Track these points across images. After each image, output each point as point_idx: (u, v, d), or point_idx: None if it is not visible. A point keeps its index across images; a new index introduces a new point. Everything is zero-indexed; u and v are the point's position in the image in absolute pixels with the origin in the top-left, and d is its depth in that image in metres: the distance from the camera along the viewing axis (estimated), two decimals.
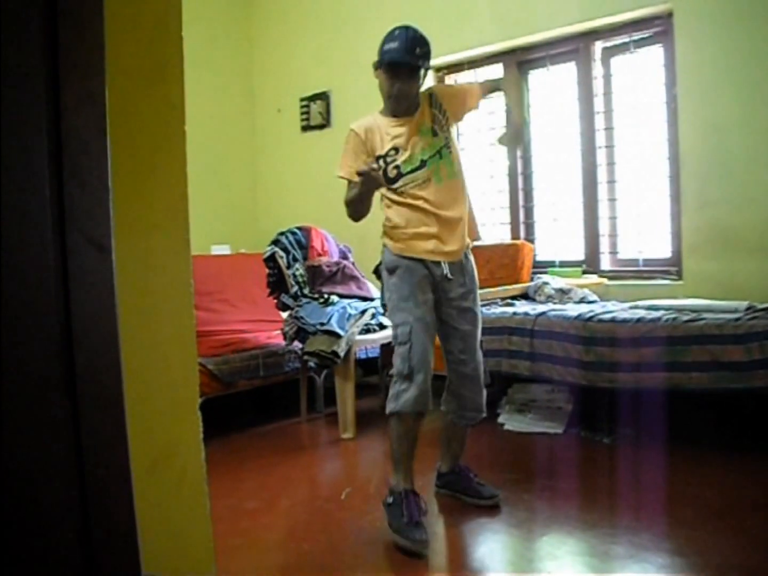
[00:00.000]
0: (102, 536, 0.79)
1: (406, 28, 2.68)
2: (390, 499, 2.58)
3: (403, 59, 2.59)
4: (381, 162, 2.68)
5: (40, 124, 0.73)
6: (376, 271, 2.84)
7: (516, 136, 2.92)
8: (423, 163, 2.66)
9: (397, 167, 2.67)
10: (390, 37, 2.67)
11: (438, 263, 2.66)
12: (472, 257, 2.83)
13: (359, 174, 2.45)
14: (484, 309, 3.87)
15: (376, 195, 2.63)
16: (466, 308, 2.74)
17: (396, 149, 2.67)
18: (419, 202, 2.64)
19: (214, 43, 5.73)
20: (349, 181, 2.66)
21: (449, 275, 2.67)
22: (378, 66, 2.68)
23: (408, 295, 2.62)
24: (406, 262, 2.66)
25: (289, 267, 4.21)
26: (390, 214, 2.71)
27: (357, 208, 2.61)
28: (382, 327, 4.22)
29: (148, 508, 0.91)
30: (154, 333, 0.99)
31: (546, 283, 4.16)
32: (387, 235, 2.74)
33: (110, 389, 0.80)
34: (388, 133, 2.70)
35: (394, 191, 2.67)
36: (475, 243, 2.96)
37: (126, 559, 0.82)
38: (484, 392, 2.83)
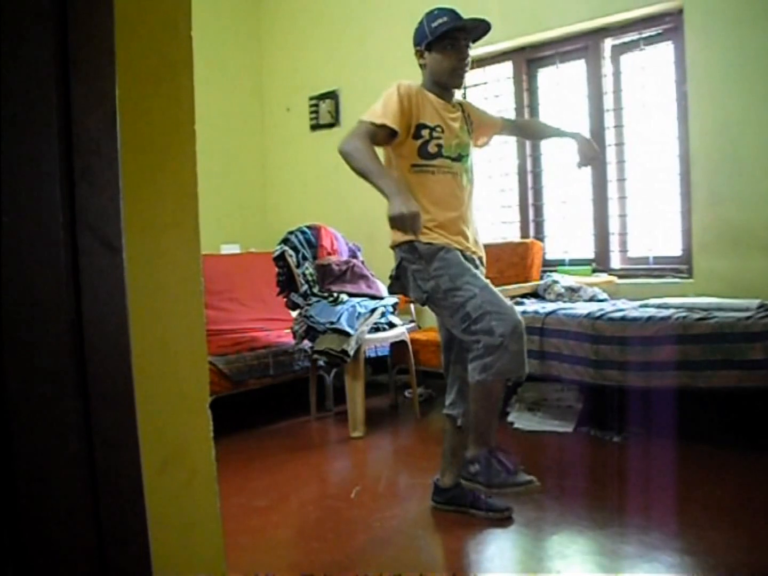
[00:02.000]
0: (113, 535, 0.79)
1: (449, 8, 2.60)
2: (476, 467, 2.45)
3: (468, 20, 2.53)
4: (425, 132, 2.52)
5: (50, 125, 0.74)
6: (396, 278, 2.66)
7: (589, 158, 2.90)
8: (459, 157, 2.60)
9: (439, 146, 2.54)
10: (434, 15, 2.57)
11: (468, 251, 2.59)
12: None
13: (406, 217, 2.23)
14: None
15: None
16: None
17: (442, 128, 2.55)
18: (449, 187, 2.56)
19: (223, 42, 5.75)
20: (374, 125, 2.46)
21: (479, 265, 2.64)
22: (428, 45, 2.56)
23: (460, 272, 2.46)
24: (442, 247, 2.51)
25: (298, 266, 4.22)
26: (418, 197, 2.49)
27: (361, 175, 2.37)
28: (391, 326, 4.22)
29: (158, 506, 0.91)
30: (164, 332, 0.99)
31: (555, 282, 4.15)
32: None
33: (121, 388, 0.81)
34: (437, 108, 2.57)
35: (425, 167, 2.53)
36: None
37: (136, 558, 0.82)
38: None
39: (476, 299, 2.39)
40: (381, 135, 2.47)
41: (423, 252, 2.51)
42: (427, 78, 2.65)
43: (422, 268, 2.52)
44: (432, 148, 2.53)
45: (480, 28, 2.60)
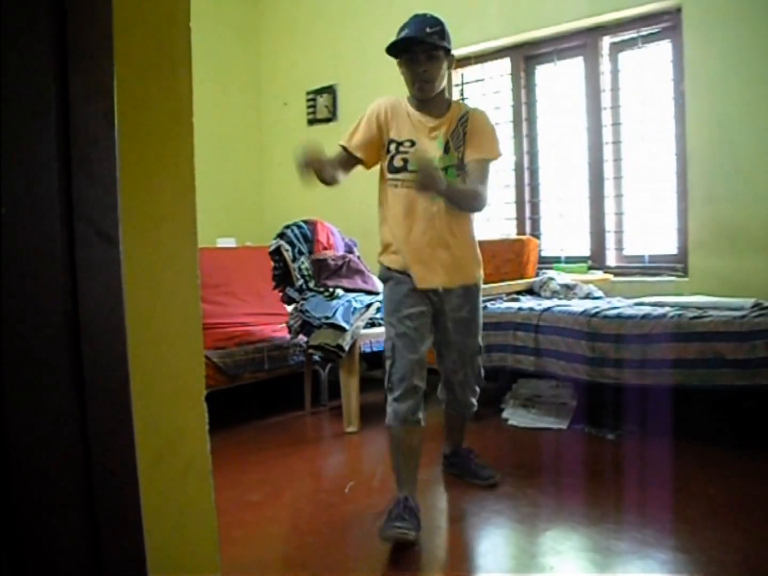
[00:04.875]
0: (107, 526, 0.79)
1: (416, 15, 2.61)
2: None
3: (416, 35, 2.49)
4: (392, 147, 2.57)
5: (48, 116, 0.73)
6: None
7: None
8: None
9: (405, 160, 2.55)
10: (401, 27, 2.60)
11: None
12: (478, 289, 2.81)
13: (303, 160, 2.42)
14: (489, 304, 3.87)
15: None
16: (464, 319, 2.69)
17: (412, 142, 2.56)
18: (414, 201, 2.54)
19: (221, 36, 5.73)
20: (343, 148, 2.63)
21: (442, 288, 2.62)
22: (396, 56, 2.59)
23: (392, 309, 2.58)
24: (392, 278, 2.64)
25: (294, 260, 4.21)
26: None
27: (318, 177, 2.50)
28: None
29: (153, 498, 0.91)
30: (160, 324, 0.99)
31: (551, 279, 4.15)
32: (380, 226, 2.69)
33: (117, 380, 0.81)
34: (412, 123, 2.59)
35: (392, 180, 2.58)
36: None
37: (131, 549, 0.83)
38: (476, 391, 2.84)
39: (388, 342, 2.57)
40: (351, 156, 2.61)
41: (381, 274, 2.71)
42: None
43: (383, 287, 2.70)
44: (397, 162, 2.56)
45: (431, 37, 2.52)
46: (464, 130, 2.60)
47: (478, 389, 2.85)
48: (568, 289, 4.04)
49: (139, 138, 0.95)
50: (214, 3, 5.59)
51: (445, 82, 2.62)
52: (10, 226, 0.71)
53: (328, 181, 2.52)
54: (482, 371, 2.86)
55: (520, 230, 4.82)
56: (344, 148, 2.62)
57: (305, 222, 4.41)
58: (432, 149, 2.56)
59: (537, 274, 4.40)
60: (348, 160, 2.63)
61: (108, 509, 0.80)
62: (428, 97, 2.58)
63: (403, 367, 2.48)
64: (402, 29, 2.58)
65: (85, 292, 0.76)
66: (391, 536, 2.33)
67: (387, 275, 2.64)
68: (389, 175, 2.58)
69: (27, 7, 0.73)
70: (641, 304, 3.59)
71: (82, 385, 0.77)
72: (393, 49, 2.56)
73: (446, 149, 2.57)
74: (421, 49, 2.51)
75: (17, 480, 0.73)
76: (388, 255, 2.64)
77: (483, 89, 5.00)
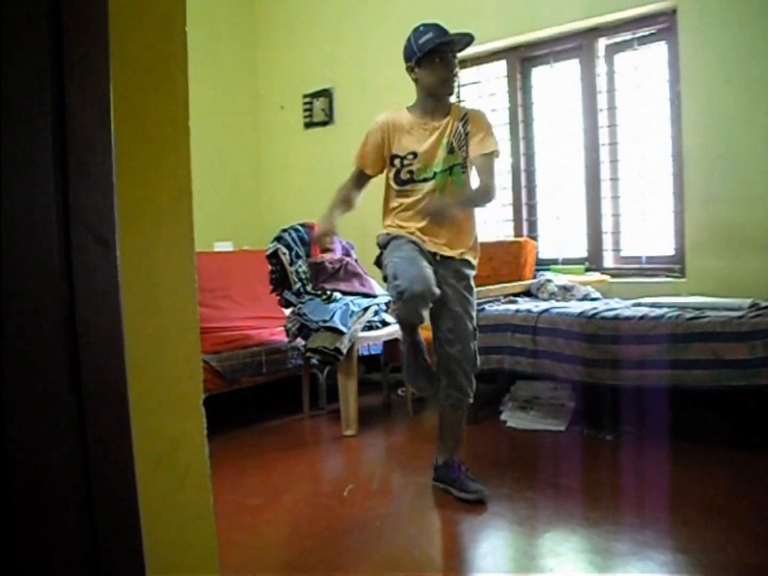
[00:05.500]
0: (106, 531, 0.79)
1: (431, 23, 2.77)
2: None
3: (450, 36, 2.69)
4: (397, 162, 2.80)
5: (45, 120, 0.73)
6: (377, 264, 2.92)
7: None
8: (434, 175, 2.76)
9: (411, 172, 2.78)
10: (420, 32, 2.75)
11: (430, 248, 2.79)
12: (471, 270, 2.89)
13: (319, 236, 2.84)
14: (486, 306, 3.87)
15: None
16: (460, 292, 2.81)
17: (414, 154, 2.77)
18: (410, 209, 2.79)
19: (217, 40, 5.73)
20: (359, 170, 2.89)
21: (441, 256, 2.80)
22: (417, 61, 2.74)
23: (396, 249, 2.75)
24: (396, 236, 2.81)
25: (292, 264, 4.21)
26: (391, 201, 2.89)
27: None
28: (384, 324, 4.22)
29: (152, 503, 0.91)
30: (158, 328, 0.99)
31: (549, 281, 4.15)
32: (384, 218, 2.91)
33: (115, 385, 0.80)
34: (412, 134, 2.79)
35: (400, 191, 2.82)
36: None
37: (130, 554, 0.82)
38: (471, 380, 2.83)
39: (393, 263, 2.68)
40: (365, 175, 2.89)
41: (380, 242, 2.87)
42: (419, 92, 2.84)
43: (382, 254, 2.85)
44: (404, 176, 2.81)
45: (464, 41, 2.76)
46: (465, 130, 2.77)
47: (473, 380, 2.84)
48: (565, 291, 4.04)
49: (136, 142, 0.95)
50: (210, 7, 5.59)
51: None
52: (6, 230, 0.71)
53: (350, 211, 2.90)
54: (477, 357, 2.86)
55: (518, 232, 4.82)
56: (360, 170, 2.89)
57: (302, 225, 4.41)
58: (440, 151, 2.75)
59: (534, 276, 4.40)
60: (363, 178, 2.90)
61: (107, 514, 0.80)
62: (451, 94, 2.80)
63: (415, 278, 2.57)
64: (422, 33, 2.74)
65: (82, 296, 0.76)
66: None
67: (388, 238, 2.82)
68: (397, 187, 2.82)
69: (23, 12, 0.73)
70: (639, 305, 3.60)
71: (80, 390, 0.76)
72: (424, 52, 2.70)
73: (451, 150, 2.76)
74: (450, 49, 2.72)
75: (16, 485, 0.73)
76: (391, 228, 2.85)
77: (479, 91, 5.00)
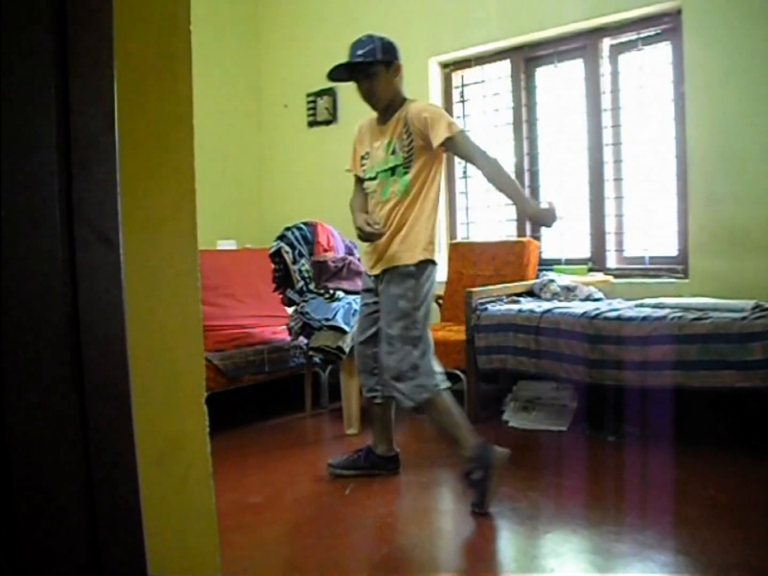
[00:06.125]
0: (108, 529, 0.79)
1: (354, 42, 2.90)
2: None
3: (345, 62, 2.85)
4: (363, 161, 3.01)
5: (49, 118, 0.73)
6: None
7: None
8: (375, 176, 2.93)
9: (364, 171, 3.00)
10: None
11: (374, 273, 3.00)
12: (401, 275, 2.88)
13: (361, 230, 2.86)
14: (489, 306, 3.87)
15: None
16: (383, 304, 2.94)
17: (368, 153, 2.98)
18: (372, 204, 2.97)
19: (221, 39, 5.73)
20: (357, 178, 3.09)
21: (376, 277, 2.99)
22: (344, 81, 3.00)
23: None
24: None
25: (294, 262, 4.21)
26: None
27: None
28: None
29: (153, 501, 0.91)
30: (161, 327, 0.99)
31: (551, 281, 4.15)
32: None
33: (117, 383, 0.81)
34: (370, 137, 2.99)
35: (363, 190, 3.03)
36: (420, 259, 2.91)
37: (131, 552, 0.82)
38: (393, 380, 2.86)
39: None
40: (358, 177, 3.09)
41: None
42: None
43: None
44: (361, 174, 3.04)
45: (357, 66, 2.86)
46: (407, 129, 2.85)
47: (398, 383, 2.84)
48: (568, 291, 4.04)
49: (140, 140, 0.95)
50: (214, 5, 5.59)
51: (396, 90, 2.90)
52: (10, 228, 0.71)
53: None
54: (404, 362, 2.84)
55: (521, 232, 4.82)
56: (355, 176, 3.11)
57: (305, 224, 4.41)
58: (385, 151, 2.90)
59: (537, 276, 4.40)
60: (360, 182, 3.08)
61: (108, 512, 0.80)
62: (382, 109, 2.92)
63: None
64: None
65: (85, 294, 0.76)
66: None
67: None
68: (362, 185, 3.04)
69: (27, 10, 0.73)
70: (642, 305, 3.59)
71: (83, 387, 0.77)
72: (337, 77, 2.93)
73: (393, 151, 2.88)
74: (358, 70, 2.86)
75: (17, 483, 0.73)
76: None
77: (483, 91, 5.00)
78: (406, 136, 2.83)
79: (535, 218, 2.80)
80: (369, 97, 2.89)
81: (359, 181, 3.07)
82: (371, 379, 3.07)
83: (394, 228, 2.88)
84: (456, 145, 2.81)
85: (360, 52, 2.82)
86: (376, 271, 2.96)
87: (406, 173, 2.84)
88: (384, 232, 2.85)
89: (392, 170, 2.86)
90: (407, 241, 2.87)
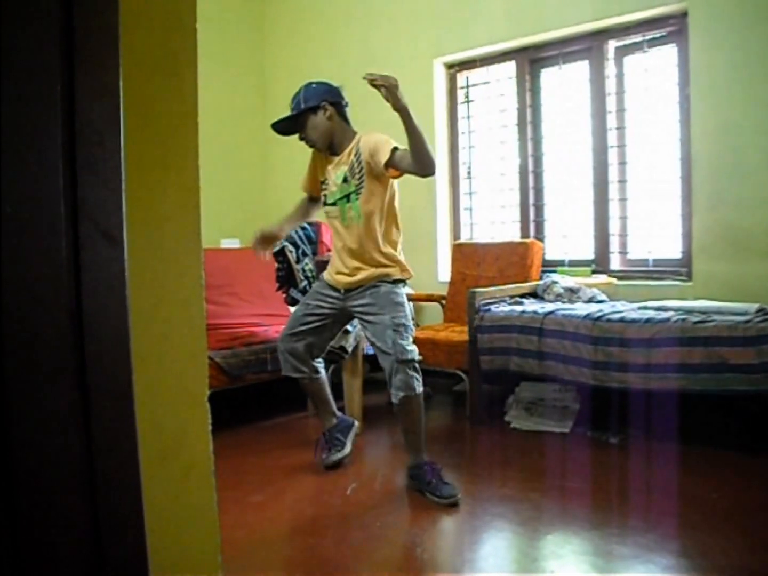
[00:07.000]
0: (110, 526, 0.79)
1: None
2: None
3: (281, 119, 3.20)
4: (323, 185, 3.23)
5: (54, 116, 0.74)
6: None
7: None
8: (335, 203, 3.13)
9: (326, 195, 3.20)
10: None
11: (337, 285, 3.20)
12: (386, 288, 3.07)
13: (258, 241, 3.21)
14: (492, 307, 3.87)
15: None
16: (370, 320, 3.07)
17: (326, 181, 3.19)
18: (333, 230, 3.21)
19: (226, 37, 5.74)
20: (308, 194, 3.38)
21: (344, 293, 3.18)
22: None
23: (305, 298, 3.45)
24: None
25: (298, 262, 4.22)
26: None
27: None
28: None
29: (156, 498, 0.91)
30: (164, 324, 0.99)
31: (555, 282, 4.15)
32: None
33: (120, 380, 0.81)
34: (326, 165, 3.21)
35: (326, 213, 3.23)
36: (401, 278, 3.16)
37: (133, 549, 0.83)
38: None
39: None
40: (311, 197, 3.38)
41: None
42: None
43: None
44: (324, 198, 3.22)
45: (293, 110, 3.16)
46: (358, 158, 3.05)
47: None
48: (571, 293, 4.04)
49: (145, 138, 0.95)
50: (219, 5, 5.60)
51: (331, 128, 3.13)
52: (14, 225, 0.71)
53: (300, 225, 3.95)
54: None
55: (524, 233, 4.81)
56: (309, 197, 3.40)
57: (309, 223, 4.41)
58: (338, 180, 3.11)
59: (541, 278, 4.40)
60: (312, 198, 3.37)
61: (110, 509, 0.80)
62: (324, 149, 3.19)
63: (282, 335, 3.32)
64: None
65: (88, 292, 0.77)
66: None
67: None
68: (324, 208, 3.23)
69: (33, 6, 0.73)
70: (645, 308, 3.59)
71: (85, 385, 0.77)
72: (282, 130, 3.25)
73: (345, 180, 3.09)
74: (294, 122, 3.17)
75: (19, 480, 0.73)
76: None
77: (487, 92, 5.00)
78: (357, 164, 3.05)
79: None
80: (307, 142, 3.18)
81: (310, 199, 3.37)
82: (302, 363, 3.26)
83: (361, 260, 3.10)
84: (399, 155, 2.88)
85: (292, 105, 3.14)
86: (346, 286, 3.15)
87: (358, 200, 3.05)
88: (265, 257, 3.30)
89: (347, 197, 3.08)
90: (378, 260, 3.09)
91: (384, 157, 2.90)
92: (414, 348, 2.95)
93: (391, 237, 3.13)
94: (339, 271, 3.17)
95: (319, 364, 3.35)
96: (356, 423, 3.51)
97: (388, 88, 2.60)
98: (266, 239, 3.19)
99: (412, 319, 4.92)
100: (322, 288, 3.27)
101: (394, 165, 2.91)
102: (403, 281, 3.14)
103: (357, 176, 3.06)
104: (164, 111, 0.99)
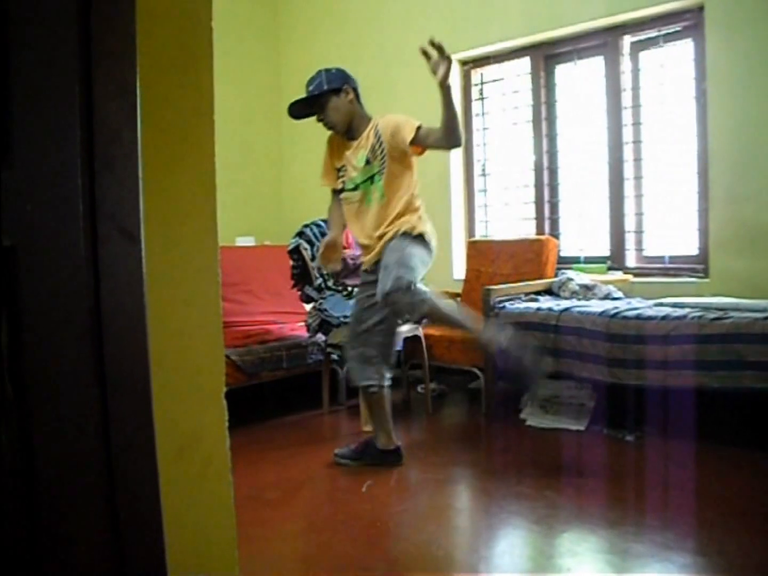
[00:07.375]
0: (128, 521, 0.80)
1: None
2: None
3: (301, 98, 3.17)
4: (339, 173, 3.25)
5: (73, 114, 0.74)
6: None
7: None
8: (356, 187, 3.17)
9: (344, 182, 3.23)
10: None
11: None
12: (397, 239, 3.09)
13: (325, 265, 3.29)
14: (507, 304, 3.86)
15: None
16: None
17: (345, 167, 3.21)
18: (351, 215, 3.23)
19: (242, 36, 5.76)
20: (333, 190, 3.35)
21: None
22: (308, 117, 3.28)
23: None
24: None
25: (313, 259, 4.22)
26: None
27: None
28: (405, 321, 4.21)
29: (173, 494, 0.92)
30: (181, 322, 1.00)
31: (570, 279, 4.13)
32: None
33: (137, 377, 0.81)
34: (342, 150, 3.24)
35: (343, 200, 3.25)
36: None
37: (151, 546, 0.83)
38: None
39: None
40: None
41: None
42: None
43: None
44: (340, 185, 3.26)
45: (311, 91, 3.17)
46: (379, 139, 3.12)
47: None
48: (587, 290, 4.02)
49: (162, 137, 0.96)
50: (234, 4, 5.62)
51: (351, 111, 3.18)
52: (34, 222, 0.71)
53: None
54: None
55: (540, 230, 4.80)
56: (333, 189, 3.35)
57: (324, 221, 4.41)
58: (360, 163, 3.14)
59: (556, 275, 4.38)
60: (336, 191, 3.32)
61: (128, 506, 0.80)
62: (342, 132, 3.22)
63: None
64: None
65: (107, 289, 0.77)
66: None
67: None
68: (341, 195, 3.26)
69: (51, 6, 0.74)
70: (661, 305, 3.57)
71: (104, 381, 0.77)
72: (297, 114, 3.24)
73: (367, 162, 3.14)
74: (313, 104, 3.18)
75: (39, 477, 0.74)
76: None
77: (502, 89, 4.98)
78: (378, 145, 3.11)
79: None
80: (327, 124, 3.20)
81: (335, 192, 3.33)
82: (369, 368, 3.18)
83: (384, 226, 3.12)
84: (425, 132, 2.99)
85: (311, 87, 3.16)
86: (373, 261, 3.18)
87: (380, 180, 3.11)
88: (338, 269, 3.40)
89: (371, 179, 3.13)
90: (397, 224, 3.11)
91: (409, 135, 3.00)
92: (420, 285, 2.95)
93: (414, 206, 3.17)
94: (365, 247, 3.23)
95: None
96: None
97: (450, 61, 2.76)
98: (330, 251, 3.21)
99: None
100: (365, 278, 3.30)
101: (419, 142, 3.01)
102: (420, 236, 3.11)
103: (379, 157, 3.12)
104: (181, 109, 0.99)
